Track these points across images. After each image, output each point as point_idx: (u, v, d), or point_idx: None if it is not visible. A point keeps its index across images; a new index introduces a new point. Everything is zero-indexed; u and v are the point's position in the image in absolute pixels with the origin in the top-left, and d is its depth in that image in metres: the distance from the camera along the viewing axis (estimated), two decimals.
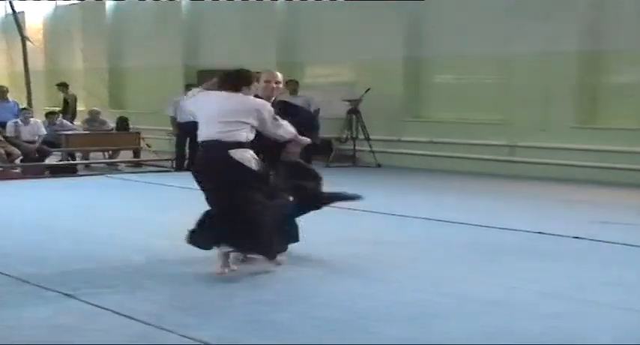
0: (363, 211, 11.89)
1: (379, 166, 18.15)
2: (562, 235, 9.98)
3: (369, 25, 19.24)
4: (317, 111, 18.97)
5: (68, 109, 22.62)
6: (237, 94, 7.96)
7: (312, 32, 21.01)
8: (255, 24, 21.98)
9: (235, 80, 8.06)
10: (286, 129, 8.22)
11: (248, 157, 7.82)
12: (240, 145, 7.81)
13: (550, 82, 16.32)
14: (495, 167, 16.87)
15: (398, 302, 6.96)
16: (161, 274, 8.02)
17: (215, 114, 7.89)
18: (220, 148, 7.78)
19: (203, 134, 7.97)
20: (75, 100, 23.04)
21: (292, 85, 19.41)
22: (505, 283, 7.59)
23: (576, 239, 9.79)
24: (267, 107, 8.04)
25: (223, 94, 8.02)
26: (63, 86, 23.06)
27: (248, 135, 7.88)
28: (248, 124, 7.86)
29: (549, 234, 10.08)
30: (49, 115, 19.59)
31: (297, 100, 18.83)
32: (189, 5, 24.32)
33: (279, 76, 8.76)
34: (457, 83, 18.45)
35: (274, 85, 8.61)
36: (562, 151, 16.10)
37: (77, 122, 20.18)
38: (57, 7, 29.60)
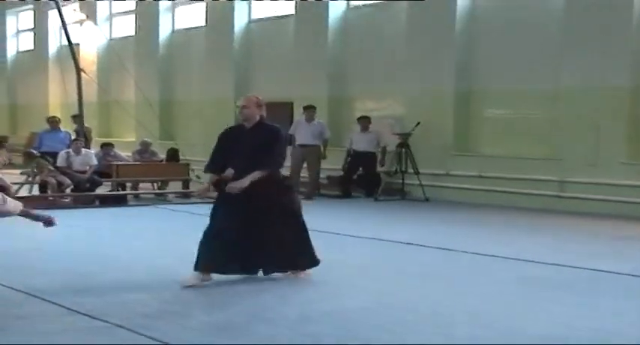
0: (409, 244, 11.91)
1: (427, 200, 18.08)
2: (615, 273, 9.86)
3: (419, 58, 19.27)
4: (384, 148, 19.08)
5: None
6: None
7: (362, 66, 21.09)
8: (306, 57, 22.10)
9: None
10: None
11: None
12: None
13: (600, 116, 16.18)
14: (545, 202, 16.75)
15: (447, 336, 6.93)
16: (210, 305, 8.05)
17: None
18: None
19: None
20: (90, 132, 22.82)
21: (363, 122, 19.44)
22: (557, 319, 7.51)
23: (631, 277, 9.66)
24: None
25: None
26: (77, 118, 22.46)
27: None
28: None
29: (603, 271, 9.98)
30: (105, 146, 19.82)
31: (366, 137, 19.03)
32: (241, 38, 24.52)
33: (249, 100, 9.28)
34: (506, 117, 18.34)
35: (243, 110, 9.18)
36: (612, 186, 15.95)
37: (128, 153, 20.33)
38: (111, 40, 29.98)
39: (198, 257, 9.07)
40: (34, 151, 18.46)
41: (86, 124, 22.06)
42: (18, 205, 8.04)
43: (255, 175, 8.98)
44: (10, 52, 36.95)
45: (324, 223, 14.16)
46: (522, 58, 17.70)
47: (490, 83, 18.39)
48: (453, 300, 8.37)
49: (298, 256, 9.36)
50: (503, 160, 17.79)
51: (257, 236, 9.08)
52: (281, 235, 9.17)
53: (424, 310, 7.91)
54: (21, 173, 18.49)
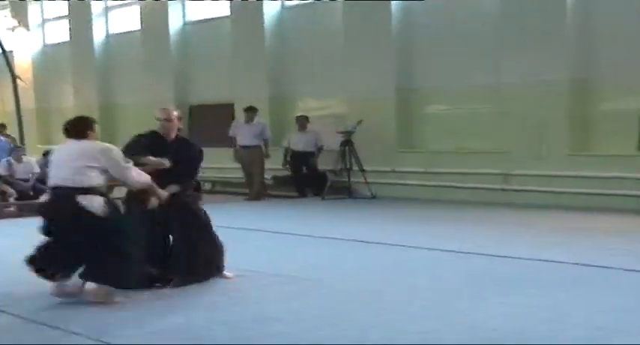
0: (360, 241, 11.91)
1: (374, 197, 18.08)
2: (563, 262, 9.93)
3: (358, 56, 19.29)
4: (320, 147, 19.12)
5: None
6: (83, 141, 8.31)
7: (302, 65, 21.06)
8: (244, 58, 22.01)
9: (80, 127, 8.44)
10: (138, 176, 8.45)
11: (95, 204, 7.99)
12: (89, 190, 8.04)
13: (543, 110, 16.28)
14: (491, 196, 16.83)
15: (401, 331, 6.96)
16: (167, 309, 8.00)
17: (62, 160, 8.26)
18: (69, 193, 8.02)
19: (52, 180, 8.27)
20: (14, 140, 22.56)
21: (301, 121, 19.48)
22: (512, 311, 7.54)
23: (578, 265, 9.74)
24: (113, 149, 8.33)
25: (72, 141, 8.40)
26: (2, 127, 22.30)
27: (98, 179, 8.13)
28: (96, 167, 8.10)
29: (550, 261, 10.03)
30: (47, 154, 19.55)
31: (304, 137, 19.07)
32: (177, 41, 24.35)
33: (172, 113, 9.36)
34: (449, 113, 18.43)
35: (166, 123, 9.23)
36: (557, 178, 16.08)
37: None
38: (45, 46, 29.63)
39: None
40: None
41: (10, 133, 21.79)
42: (146, 179, 8.50)
43: (172, 189, 9.04)
44: None
45: (274, 224, 14.21)
46: (462, 55, 17.77)
47: (431, 80, 18.43)
48: (405, 296, 8.38)
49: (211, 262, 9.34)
50: (449, 156, 17.88)
51: (159, 248, 9.16)
52: (193, 246, 9.17)
53: (378, 307, 7.91)
54: None
